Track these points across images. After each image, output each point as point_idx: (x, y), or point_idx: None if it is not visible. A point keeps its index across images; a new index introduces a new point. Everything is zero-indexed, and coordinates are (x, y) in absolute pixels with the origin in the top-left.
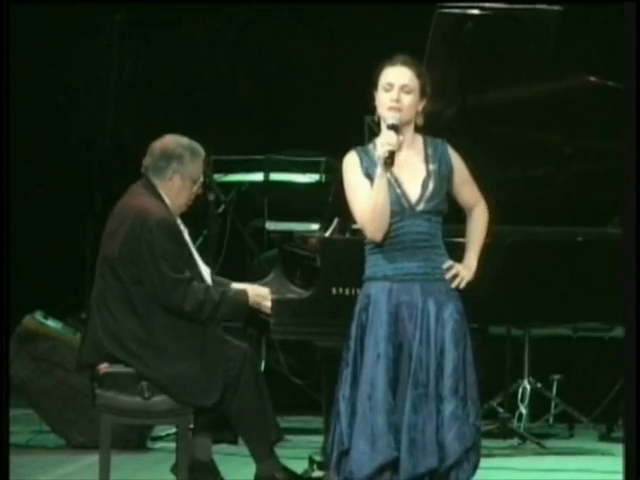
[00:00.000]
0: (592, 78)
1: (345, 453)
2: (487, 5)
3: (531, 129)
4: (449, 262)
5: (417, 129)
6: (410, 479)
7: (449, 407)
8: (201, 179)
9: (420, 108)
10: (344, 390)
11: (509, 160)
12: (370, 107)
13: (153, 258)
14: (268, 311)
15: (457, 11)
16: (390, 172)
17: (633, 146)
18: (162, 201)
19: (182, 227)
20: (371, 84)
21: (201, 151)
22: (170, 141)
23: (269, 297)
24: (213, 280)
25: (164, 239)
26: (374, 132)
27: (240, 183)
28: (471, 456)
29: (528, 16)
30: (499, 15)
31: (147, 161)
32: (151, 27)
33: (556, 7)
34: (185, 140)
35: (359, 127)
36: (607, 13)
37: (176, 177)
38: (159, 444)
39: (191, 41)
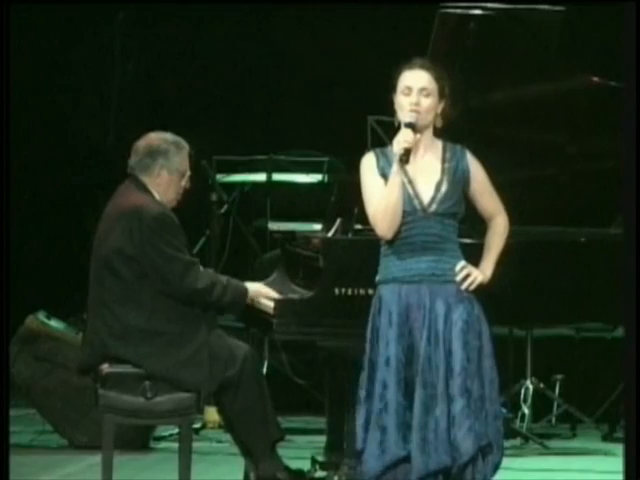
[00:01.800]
0: (595, 78)
1: (359, 454)
2: (490, 5)
3: (534, 130)
4: (462, 263)
5: (436, 133)
6: (422, 478)
7: (458, 406)
8: (188, 172)
9: (439, 110)
10: (360, 393)
11: (512, 161)
12: (376, 107)
13: (160, 250)
14: (266, 309)
15: (459, 11)
16: (405, 172)
17: (633, 146)
18: (152, 197)
19: None
20: (389, 88)
21: (185, 144)
22: (153, 138)
23: (271, 295)
24: None
25: (165, 233)
26: (377, 133)
27: (243, 183)
28: (488, 455)
29: (531, 16)
30: (502, 15)
31: (132, 161)
32: (153, 26)
33: (559, 7)
34: (168, 135)
35: (362, 127)
36: (608, 13)
37: (163, 172)
38: (162, 444)
39: (193, 40)
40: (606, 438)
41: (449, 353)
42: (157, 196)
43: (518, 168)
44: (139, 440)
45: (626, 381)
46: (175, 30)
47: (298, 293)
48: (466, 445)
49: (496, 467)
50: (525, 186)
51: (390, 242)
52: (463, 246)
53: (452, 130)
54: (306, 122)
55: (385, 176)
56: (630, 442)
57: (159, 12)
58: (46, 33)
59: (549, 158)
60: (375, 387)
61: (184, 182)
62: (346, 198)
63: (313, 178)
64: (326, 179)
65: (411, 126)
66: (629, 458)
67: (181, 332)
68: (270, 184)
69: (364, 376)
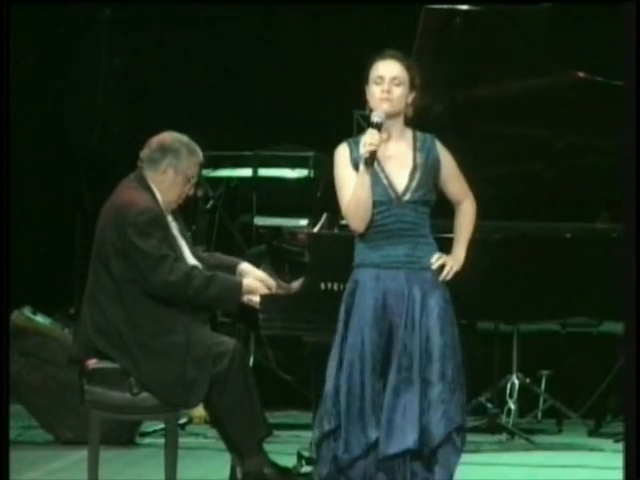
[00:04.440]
0: (581, 74)
1: (331, 432)
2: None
3: (520, 125)
4: (437, 254)
5: (407, 122)
6: (385, 459)
7: (436, 391)
8: (194, 179)
9: (410, 100)
10: (330, 371)
11: (498, 156)
12: (362, 102)
13: (137, 247)
14: (253, 305)
15: (445, 7)
16: (378, 163)
17: (633, 145)
18: (152, 194)
19: (173, 224)
20: (362, 79)
21: (198, 152)
22: (169, 136)
23: (261, 290)
24: (213, 262)
25: (147, 228)
26: (363, 127)
27: (228, 179)
28: (455, 438)
29: (517, 12)
30: (487, 11)
31: (144, 153)
32: (140, 22)
33: (545, 4)
34: (184, 138)
35: (348, 122)
36: (602, 11)
37: (170, 170)
38: (148, 440)
39: (179, 36)
40: (592, 433)
41: (427, 339)
42: (158, 194)
43: (504, 163)
44: (125, 436)
45: (626, 380)
46: (160, 26)
47: (284, 288)
48: (438, 429)
49: (461, 447)
50: (511, 181)
51: (366, 230)
52: (441, 240)
53: (438, 125)
54: (292, 117)
55: (358, 166)
56: (630, 442)
57: (145, 9)
58: (31, 30)
59: (535, 153)
60: (345, 368)
61: (188, 187)
62: (332, 193)
63: (299, 173)
64: (312, 174)
65: (377, 126)
66: (629, 458)
67: (162, 341)
68: (256, 179)
69: (335, 354)
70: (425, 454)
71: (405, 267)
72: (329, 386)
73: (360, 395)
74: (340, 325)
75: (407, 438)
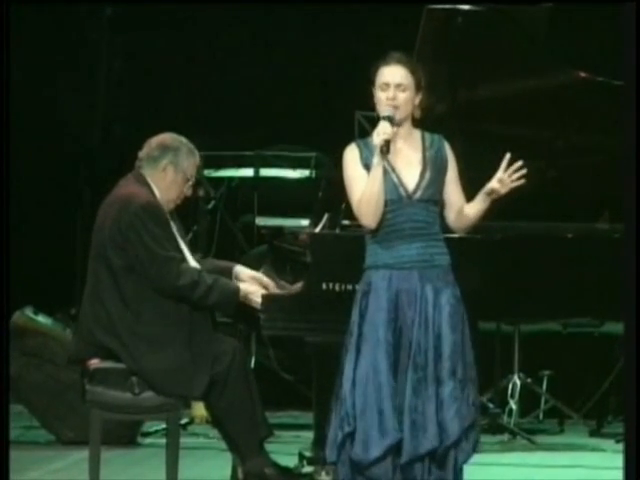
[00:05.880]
0: (582, 74)
1: (350, 434)
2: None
3: (521, 125)
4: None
5: (415, 123)
6: (412, 460)
7: (447, 389)
8: (193, 179)
9: (417, 102)
10: (347, 373)
11: (499, 156)
12: (363, 103)
13: (142, 241)
14: (254, 305)
15: (446, 7)
16: (387, 161)
17: (633, 145)
18: (151, 191)
19: (172, 222)
20: (364, 79)
21: (197, 153)
22: (168, 136)
23: (259, 293)
24: (209, 267)
25: (150, 222)
26: (364, 128)
27: (230, 179)
28: (470, 435)
29: (517, 12)
30: (488, 11)
31: (143, 152)
32: (141, 22)
33: (546, 4)
34: (183, 138)
35: (350, 123)
36: (602, 10)
37: (169, 169)
38: (148, 440)
39: (181, 37)
40: (593, 434)
41: (438, 337)
42: (157, 192)
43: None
44: (126, 436)
45: (626, 380)
46: (161, 27)
47: (285, 288)
48: (453, 427)
49: (475, 447)
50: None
51: (377, 230)
52: (451, 240)
53: (439, 125)
54: (293, 117)
55: (368, 167)
56: (630, 442)
57: (145, 9)
58: (34, 27)
59: (536, 153)
60: (362, 369)
61: (186, 187)
62: (334, 193)
63: (300, 173)
64: (313, 175)
65: (389, 119)
66: (629, 458)
67: (164, 332)
68: (257, 179)
69: (350, 357)
70: (439, 453)
71: (418, 266)
72: (346, 388)
73: (378, 396)
74: (354, 328)
75: (431, 437)
